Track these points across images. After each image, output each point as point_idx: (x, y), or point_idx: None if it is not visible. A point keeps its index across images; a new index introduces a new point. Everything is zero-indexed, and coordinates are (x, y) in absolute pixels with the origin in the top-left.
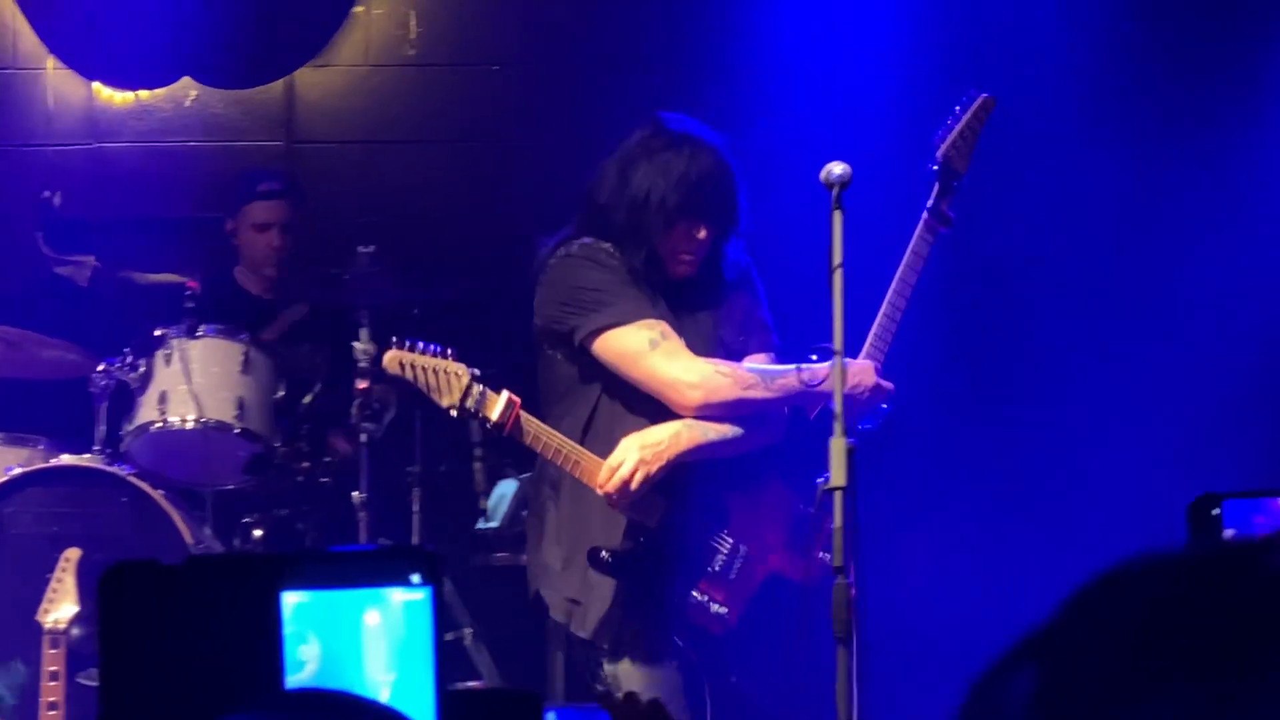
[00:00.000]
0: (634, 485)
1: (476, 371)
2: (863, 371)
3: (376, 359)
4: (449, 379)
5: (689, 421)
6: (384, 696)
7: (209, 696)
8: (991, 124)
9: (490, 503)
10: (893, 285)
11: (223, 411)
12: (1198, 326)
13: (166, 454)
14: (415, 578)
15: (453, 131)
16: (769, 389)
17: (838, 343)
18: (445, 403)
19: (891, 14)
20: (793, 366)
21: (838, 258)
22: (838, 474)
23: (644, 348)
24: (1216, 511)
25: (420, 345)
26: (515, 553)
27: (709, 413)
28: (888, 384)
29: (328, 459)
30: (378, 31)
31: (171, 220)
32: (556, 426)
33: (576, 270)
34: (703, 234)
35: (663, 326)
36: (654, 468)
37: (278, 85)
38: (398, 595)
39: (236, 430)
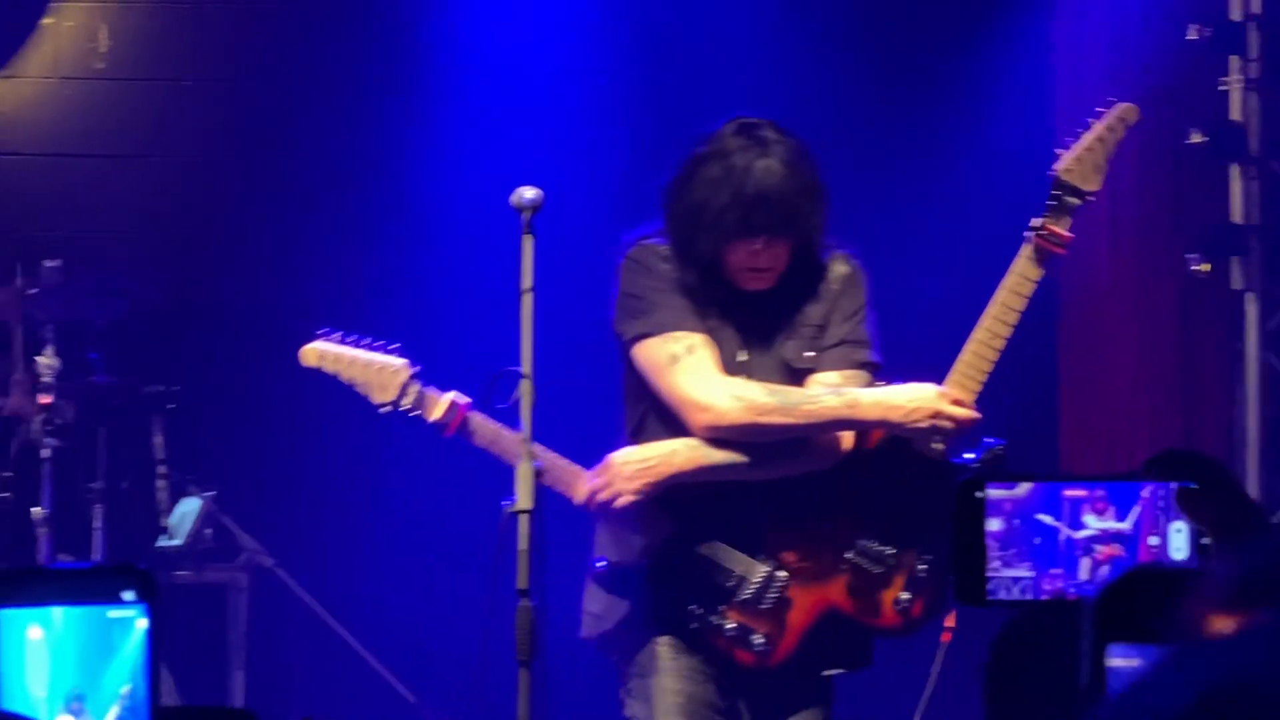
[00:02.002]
0: (617, 504)
1: (417, 367)
2: (917, 397)
3: (61, 374)
4: (384, 376)
5: (691, 441)
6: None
7: None
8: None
9: (173, 520)
10: (990, 310)
11: None
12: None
13: None
14: (128, 594)
15: (142, 145)
16: (792, 415)
17: (525, 366)
18: (379, 400)
19: (590, 32)
20: (830, 389)
21: (527, 281)
22: (524, 498)
23: (666, 362)
24: (980, 494)
25: (353, 337)
26: (198, 571)
27: (717, 435)
28: (971, 413)
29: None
30: (67, 44)
31: None
32: (624, 430)
33: (628, 274)
34: (766, 249)
35: (693, 340)
36: (638, 485)
37: None
38: (110, 613)
39: None
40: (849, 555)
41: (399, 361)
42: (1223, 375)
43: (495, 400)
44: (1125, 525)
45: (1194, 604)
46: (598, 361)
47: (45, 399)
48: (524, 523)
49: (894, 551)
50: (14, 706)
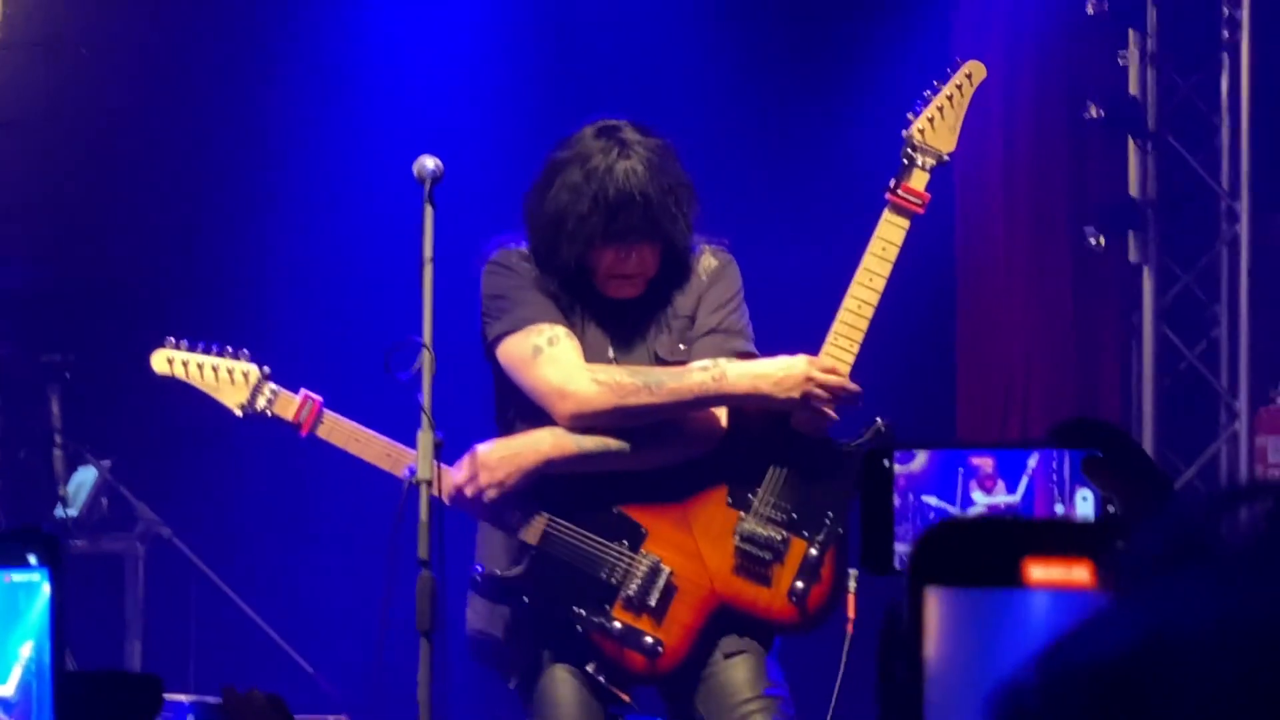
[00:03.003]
0: (485, 498)
1: (267, 369)
2: (786, 365)
3: None
4: (234, 377)
5: (556, 430)
6: (13, 676)
7: None
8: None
9: (70, 489)
10: (855, 277)
11: None
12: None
13: None
14: (32, 558)
15: (38, 114)
16: (658, 394)
17: (427, 336)
18: (231, 402)
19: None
20: (701, 365)
21: (428, 251)
22: (424, 467)
23: (529, 354)
24: (887, 463)
25: (200, 345)
26: (93, 540)
27: (584, 423)
28: (845, 381)
29: None
30: None
31: None
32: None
33: (489, 279)
34: (632, 255)
35: (555, 331)
36: (501, 476)
37: None
38: (13, 577)
39: None
40: (735, 542)
41: (249, 365)
42: (1118, 348)
43: (395, 370)
44: (1015, 498)
45: (1012, 550)
46: None
47: None
48: (424, 493)
49: (783, 537)
50: None
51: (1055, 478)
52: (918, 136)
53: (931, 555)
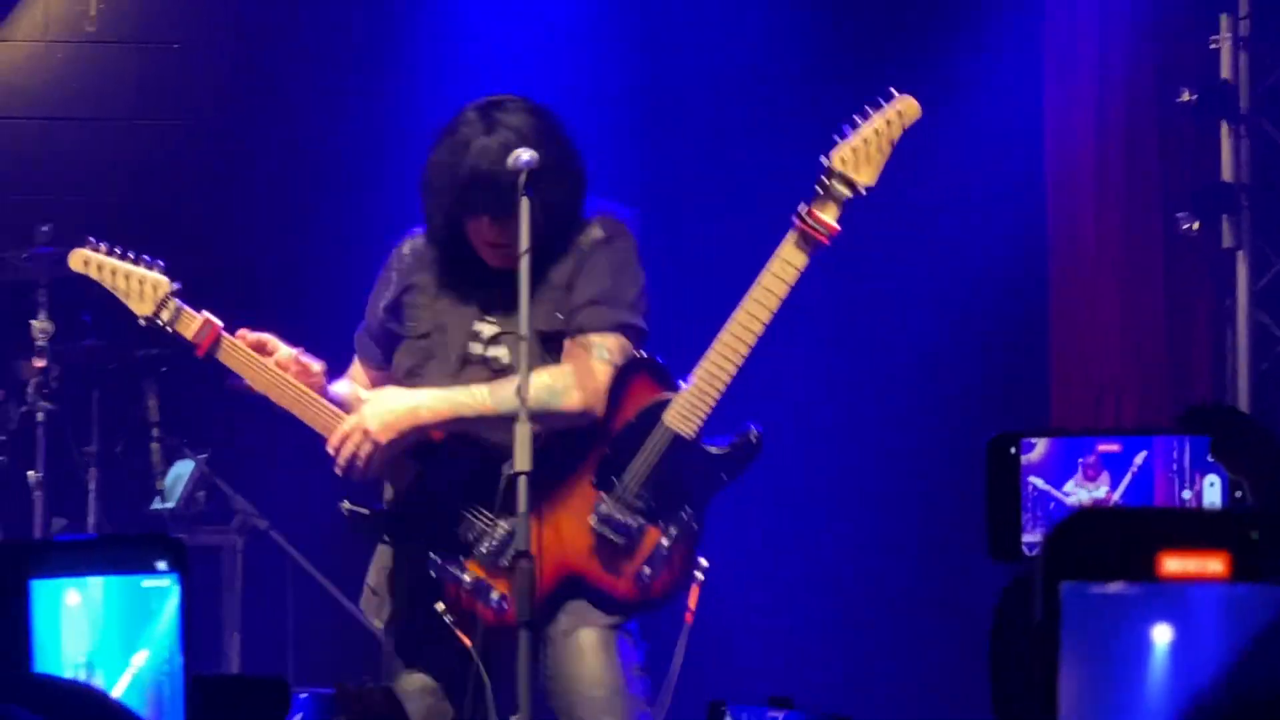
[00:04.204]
0: (361, 460)
1: (178, 286)
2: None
3: (55, 337)
4: (144, 288)
5: (436, 393)
6: (122, 681)
7: None
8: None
9: (166, 482)
10: (749, 293)
11: None
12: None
13: None
14: (162, 564)
15: (132, 109)
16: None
17: (523, 327)
18: (138, 311)
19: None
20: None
21: (525, 243)
22: (521, 459)
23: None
24: (1014, 450)
25: (118, 249)
26: (192, 533)
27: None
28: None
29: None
30: (57, 7)
31: None
32: None
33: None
34: (497, 226)
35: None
36: (385, 438)
37: None
38: (144, 582)
39: None
40: (592, 522)
41: (160, 277)
42: (1212, 334)
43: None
44: (1116, 494)
45: (1146, 542)
46: None
47: (39, 363)
48: (523, 484)
49: (638, 524)
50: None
51: (1175, 466)
52: (837, 164)
53: (1065, 550)
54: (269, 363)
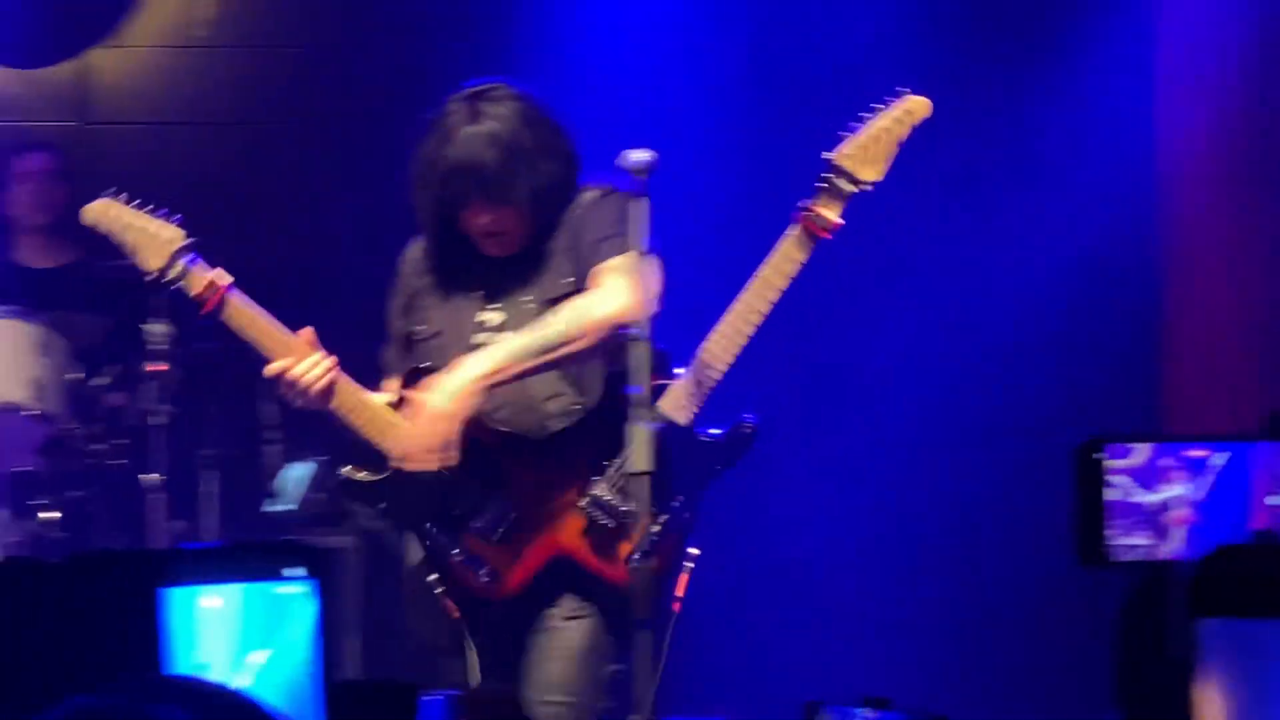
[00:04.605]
0: (452, 444)
1: (191, 240)
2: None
3: (173, 340)
4: (155, 242)
5: (485, 351)
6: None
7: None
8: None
9: (278, 483)
10: (749, 284)
11: (14, 393)
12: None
13: None
14: (297, 571)
15: (247, 113)
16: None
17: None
18: (146, 266)
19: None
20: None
21: (643, 245)
22: (641, 458)
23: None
24: (1099, 455)
25: (135, 202)
26: (309, 536)
27: None
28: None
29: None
30: (172, 12)
31: None
32: None
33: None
34: (489, 214)
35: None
36: (459, 408)
37: (71, 65)
38: (282, 588)
39: (33, 412)
40: (582, 505)
41: (174, 231)
42: None
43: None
44: (1200, 493)
45: None
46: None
47: (157, 366)
48: (644, 485)
49: (629, 509)
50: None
51: (1265, 472)
52: (844, 162)
53: (1207, 587)
54: (272, 321)
